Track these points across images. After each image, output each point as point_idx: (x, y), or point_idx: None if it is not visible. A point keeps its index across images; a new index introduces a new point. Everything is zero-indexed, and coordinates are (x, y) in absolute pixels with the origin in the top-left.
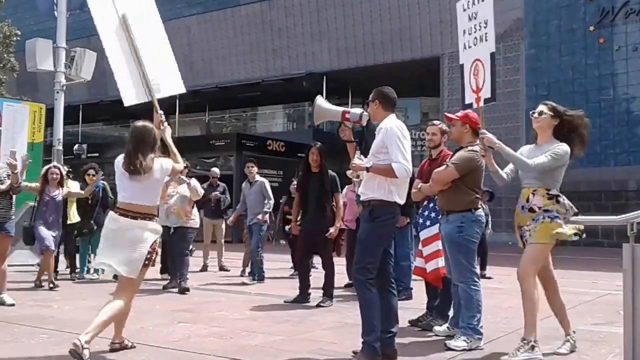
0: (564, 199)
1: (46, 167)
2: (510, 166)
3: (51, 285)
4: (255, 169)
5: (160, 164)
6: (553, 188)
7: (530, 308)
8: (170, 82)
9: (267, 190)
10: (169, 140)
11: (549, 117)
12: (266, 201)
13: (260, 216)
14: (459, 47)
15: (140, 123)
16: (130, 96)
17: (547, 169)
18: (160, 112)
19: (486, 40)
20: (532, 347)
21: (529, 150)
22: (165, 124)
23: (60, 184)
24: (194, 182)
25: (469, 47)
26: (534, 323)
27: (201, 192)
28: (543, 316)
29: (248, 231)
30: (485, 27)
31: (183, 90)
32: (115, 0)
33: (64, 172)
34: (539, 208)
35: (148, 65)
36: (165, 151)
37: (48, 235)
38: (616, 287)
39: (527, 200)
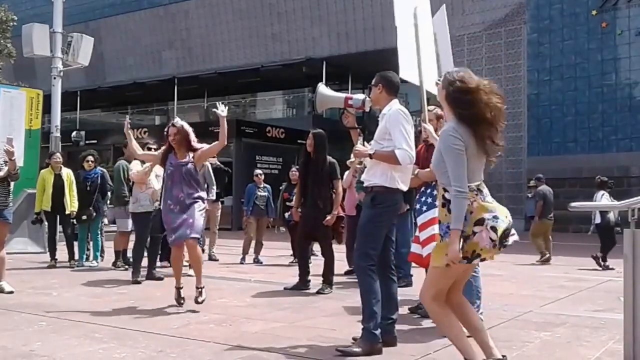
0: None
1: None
2: None
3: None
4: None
5: None
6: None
7: (449, 333)
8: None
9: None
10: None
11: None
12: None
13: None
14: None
15: None
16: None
17: (433, 169)
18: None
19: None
20: None
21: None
22: None
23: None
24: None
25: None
26: (465, 346)
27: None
28: (543, 303)
29: None
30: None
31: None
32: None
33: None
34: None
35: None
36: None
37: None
38: (617, 273)
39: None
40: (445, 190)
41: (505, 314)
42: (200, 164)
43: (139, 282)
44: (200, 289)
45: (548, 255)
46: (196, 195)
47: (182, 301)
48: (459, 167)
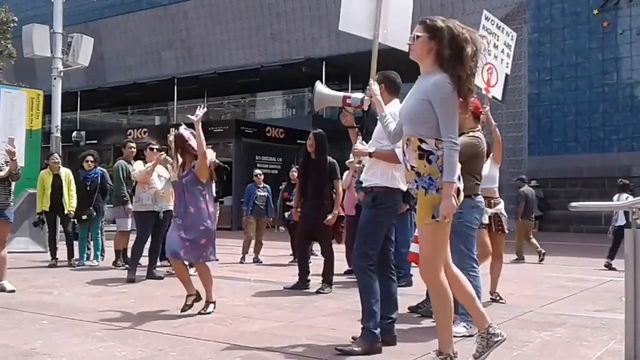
0: (439, 157)
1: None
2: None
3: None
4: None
5: None
6: (430, 137)
7: (443, 313)
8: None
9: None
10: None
11: (426, 39)
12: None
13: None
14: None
15: None
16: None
17: (409, 118)
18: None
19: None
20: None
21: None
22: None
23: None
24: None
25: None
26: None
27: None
28: (543, 303)
29: None
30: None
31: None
32: None
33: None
34: (412, 168)
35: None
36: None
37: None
38: (618, 273)
39: (404, 153)
40: (421, 141)
41: (505, 314)
42: (204, 177)
43: (133, 281)
44: (208, 303)
45: (542, 250)
46: (201, 212)
47: (186, 308)
48: (455, 118)
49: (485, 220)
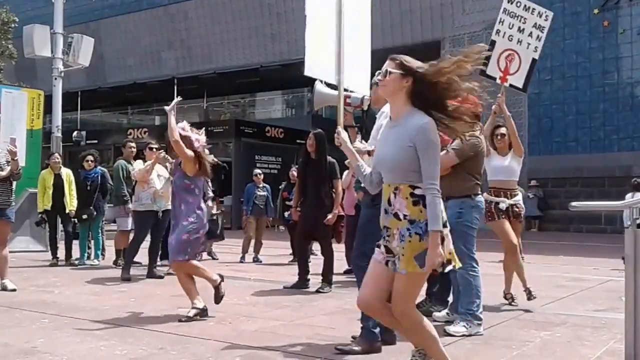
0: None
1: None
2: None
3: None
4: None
5: None
6: (421, 182)
7: (429, 342)
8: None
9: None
10: None
11: (399, 76)
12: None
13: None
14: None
15: None
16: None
17: (395, 166)
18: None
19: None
20: None
21: (383, 132)
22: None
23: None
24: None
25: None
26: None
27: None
28: (543, 302)
29: None
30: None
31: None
32: None
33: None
34: (404, 217)
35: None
36: None
37: None
38: (618, 273)
39: (389, 203)
40: (413, 187)
41: (505, 314)
42: (189, 171)
43: (129, 279)
44: (191, 308)
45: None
46: (187, 207)
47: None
48: (438, 164)
49: (503, 208)
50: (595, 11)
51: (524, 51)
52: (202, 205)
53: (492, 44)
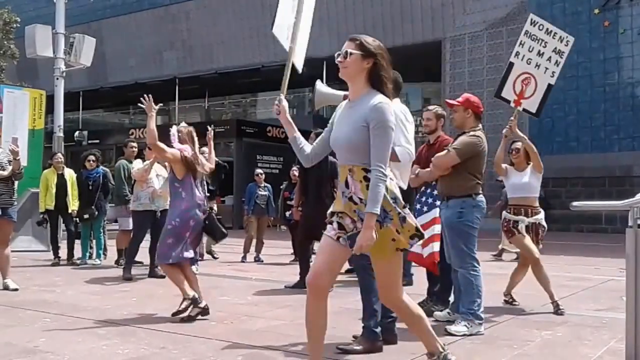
0: (387, 184)
1: None
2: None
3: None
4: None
5: None
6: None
7: (418, 327)
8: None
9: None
10: None
11: (359, 57)
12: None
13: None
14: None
15: None
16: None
17: (349, 147)
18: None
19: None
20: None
21: (341, 112)
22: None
23: None
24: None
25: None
26: (430, 337)
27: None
28: (544, 302)
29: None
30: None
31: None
32: None
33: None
34: (360, 200)
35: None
36: None
37: None
38: (619, 273)
39: (347, 185)
40: (366, 170)
41: (506, 313)
42: (178, 172)
43: (130, 279)
44: (189, 305)
45: (501, 249)
46: (174, 210)
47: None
48: (389, 149)
49: (523, 229)
50: (596, 11)
51: (541, 76)
52: (192, 207)
53: (510, 66)
